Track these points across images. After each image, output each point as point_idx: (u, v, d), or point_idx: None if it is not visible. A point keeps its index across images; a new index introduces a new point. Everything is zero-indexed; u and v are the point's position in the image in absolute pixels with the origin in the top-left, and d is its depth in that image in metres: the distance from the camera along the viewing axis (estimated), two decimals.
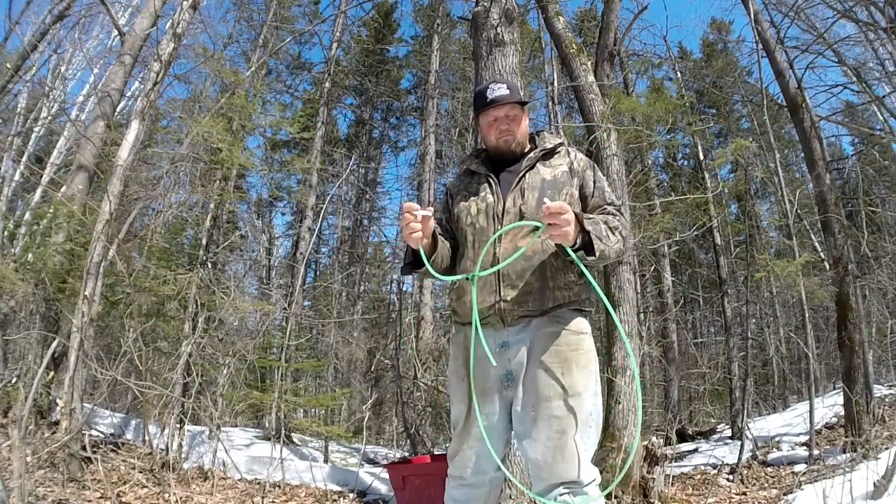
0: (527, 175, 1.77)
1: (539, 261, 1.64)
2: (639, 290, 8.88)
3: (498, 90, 1.80)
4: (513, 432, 1.67)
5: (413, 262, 1.68)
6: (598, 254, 1.52)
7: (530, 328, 1.63)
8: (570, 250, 1.53)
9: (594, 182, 1.78)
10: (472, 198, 1.79)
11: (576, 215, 1.50)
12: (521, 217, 1.66)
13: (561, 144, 1.88)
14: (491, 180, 1.79)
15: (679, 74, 11.21)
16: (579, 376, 1.58)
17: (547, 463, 1.53)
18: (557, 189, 1.74)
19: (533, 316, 1.63)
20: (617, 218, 1.68)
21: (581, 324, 1.67)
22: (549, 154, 1.85)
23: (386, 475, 4.22)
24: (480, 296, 1.64)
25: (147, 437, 4.16)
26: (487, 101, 1.79)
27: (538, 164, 1.80)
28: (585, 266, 1.57)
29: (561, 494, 1.50)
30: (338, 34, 10.45)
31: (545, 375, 1.57)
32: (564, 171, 1.79)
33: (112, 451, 4.00)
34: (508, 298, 1.62)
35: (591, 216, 1.62)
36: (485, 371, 1.65)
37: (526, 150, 1.85)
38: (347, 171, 10.65)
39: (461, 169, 1.98)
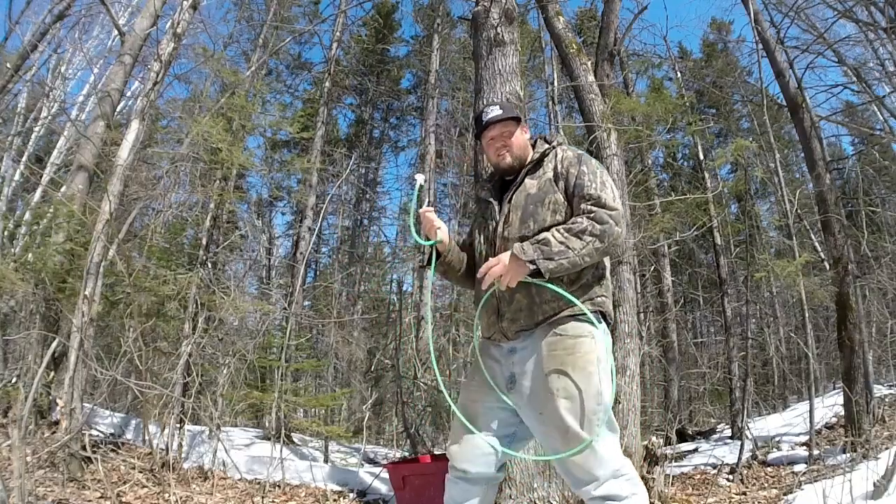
0: (514, 195, 1.85)
1: (525, 282, 1.74)
2: (639, 290, 8.88)
3: (491, 112, 1.91)
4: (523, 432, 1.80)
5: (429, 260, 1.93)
6: (546, 274, 1.65)
7: (532, 337, 1.73)
8: (529, 279, 1.70)
9: (576, 178, 1.78)
10: (482, 226, 1.93)
11: (513, 253, 1.68)
12: (506, 241, 1.79)
13: (551, 148, 1.91)
14: (493, 206, 1.89)
15: (679, 74, 11.21)
16: (577, 378, 1.64)
17: (561, 462, 1.64)
18: (540, 201, 1.80)
19: (528, 329, 1.75)
20: (589, 216, 1.69)
21: (578, 328, 1.70)
22: (538, 163, 1.89)
23: (386, 475, 4.22)
24: (487, 317, 1.83)
25: (147, 437, 4.16)
26: (483, 125, 1.90)
27: (526, 179, 1.87)
28: (557, 280, 1.69)
29: (588, 492, 1.62)
30: (338, 34, 10.45)
31: (545, 380, 1.67)
32: (549, 178, 1.83)
33: (112, 450, 3.99)
34: (505, 318, 1.77)
35: (538, 238, 1.69)
36: (493, 372, 1.81)
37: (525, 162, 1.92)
38: (347, 170, 10.64)
39: (476, 197, 2.12)
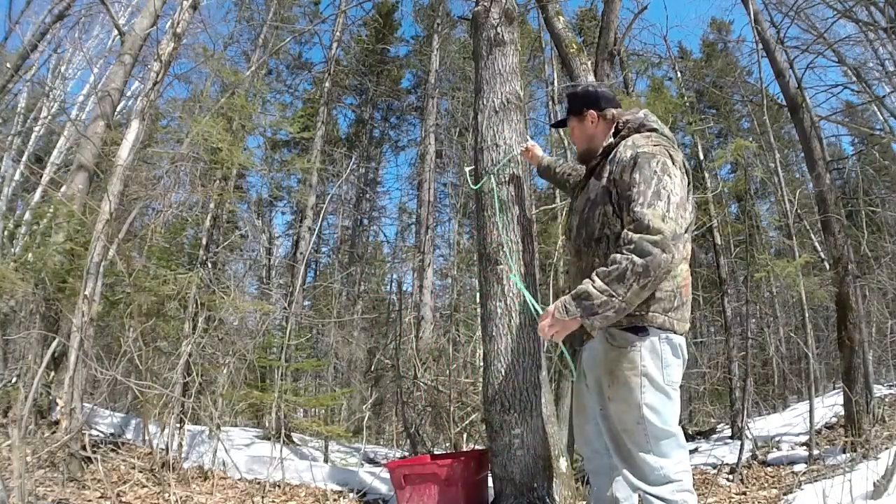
0: (578, 196, 1.87)
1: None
2: None
3: (566, 106, 2.01)
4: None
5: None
6: (593, 331, 1.61)
7: (593, 342, 1.76)
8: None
9: (626, 189, 1.64)
10: (572, 202, 2.06)
11: (556, 308, 1.62)
12: (570, 241, 1.89)
13: (615, 143, 1.80)
14: (578, 191, 1.96)
15: (679, 74, 11.21)
16: (621, 389, 1.66)
17: (617, 463, 1.71)
18: (592, 211, 1.74)
19: (579, 337, 1.83)
20: (628, 247, 1.53)
21: (625, 339, 1.66)
22: (605, 158, 1.80)
23: (386, 475, 4.22)
24: None
25: (147, 437, 4.16)
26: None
27: (591, 178, 1.83)
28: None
29: (638, 487, 1.70)
30: (338, 34, 10.45)
31: (600, 385, 1.72)
32: (604, 185, 1.73)
33: (112, 450, 3.99)
34: None
35: (578, 293, 1.59)
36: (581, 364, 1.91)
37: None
38: (347, 170, 10.65)
39: None
